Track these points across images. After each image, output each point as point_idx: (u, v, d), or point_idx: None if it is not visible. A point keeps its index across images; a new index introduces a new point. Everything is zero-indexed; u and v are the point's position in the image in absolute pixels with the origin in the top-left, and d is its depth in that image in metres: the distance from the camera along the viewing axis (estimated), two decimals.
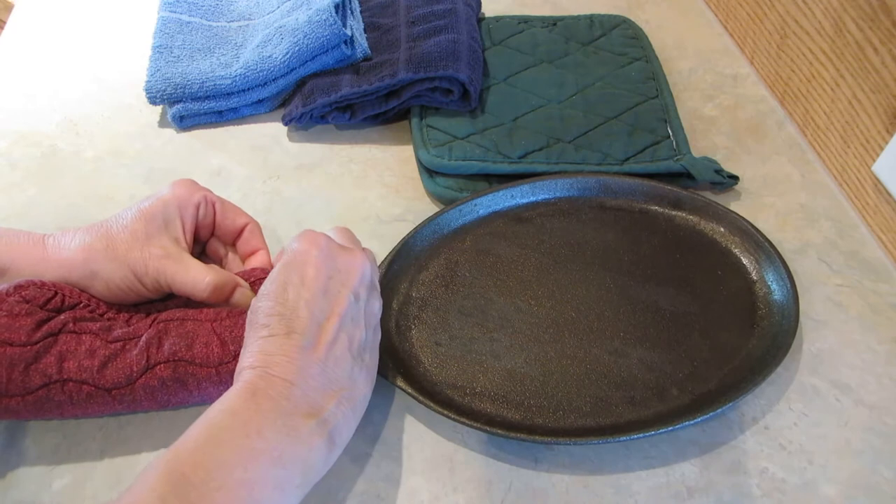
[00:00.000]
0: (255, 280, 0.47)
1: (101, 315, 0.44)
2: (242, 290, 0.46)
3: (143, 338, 0.42)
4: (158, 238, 0.45)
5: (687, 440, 0.45)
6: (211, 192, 0.50)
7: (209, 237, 0.51)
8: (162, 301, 0.47)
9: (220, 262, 0.52)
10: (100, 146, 0.64)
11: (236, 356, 0.43)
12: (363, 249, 0.46)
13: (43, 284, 0.43)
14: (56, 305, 0.43)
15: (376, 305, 0.44)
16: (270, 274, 0.41)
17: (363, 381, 0.41)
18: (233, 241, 0.51)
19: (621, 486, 0.43)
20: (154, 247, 0.44)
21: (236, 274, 0.47)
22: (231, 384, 0.43)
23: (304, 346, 0.38)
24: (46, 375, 0.41)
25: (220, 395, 0.44)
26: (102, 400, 0.42)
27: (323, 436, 0.37)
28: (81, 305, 0.44)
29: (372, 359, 0.42)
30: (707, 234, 0.54)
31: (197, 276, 0.44)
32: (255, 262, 0.50)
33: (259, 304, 0.40)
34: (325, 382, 0.38)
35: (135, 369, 0.42)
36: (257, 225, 0.51)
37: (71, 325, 0.42)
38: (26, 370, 0.40)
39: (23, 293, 0.42)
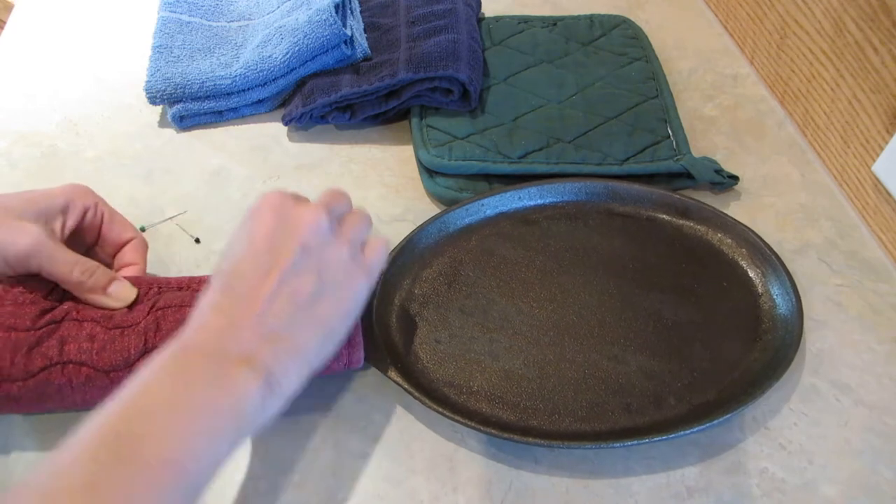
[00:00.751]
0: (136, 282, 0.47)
1: None
2: (121, 282, 0.45)
3: (142, 324, 0.43)
4: (35, 222, 0.44)
5: (687, 441, 0.45)
6: (105, 202, 0.49)
7: (91, 246, 0.50)
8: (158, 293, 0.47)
9: None
10: (100, 146, 0.64)
11: None
12: (358, 210, 0.45)
13: (44, 278, 0.44)
14: (58, 296, 0.44)
15: (335, 255, 0.41)
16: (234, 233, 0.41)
17: (312, 332, 0.39)
18: (114, 254, 0.50)
19: (621, 486, 0.43)
20: (29, 224, 0.44)
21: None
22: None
23: (239, 297, 0.38)
24: (47, 357, 0.42)
25: None
26: (101, 383, 0.42)
27: (257, 385, 0.36)
28: None
29: (330, 309, 0.40)
30: (714, 245, 0.54)
31: (70, 263, 0.44)
32: (125, 273, 0.49)
33: (218, 263, 0.40)
34: (261, 333, 0.37)
35: (132, 352, 0.42)
36: (143, 243, 0.50)
37: (74, 313, 0.44)
38: (29, 353, 0.42)
39: (26, 285, 0.44)
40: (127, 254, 0.50)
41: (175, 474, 0.33)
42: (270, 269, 0.39)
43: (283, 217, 0.41)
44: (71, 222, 0.47)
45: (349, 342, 0.45)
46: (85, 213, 0.48)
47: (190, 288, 0.46)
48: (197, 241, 0.56)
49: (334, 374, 0.46)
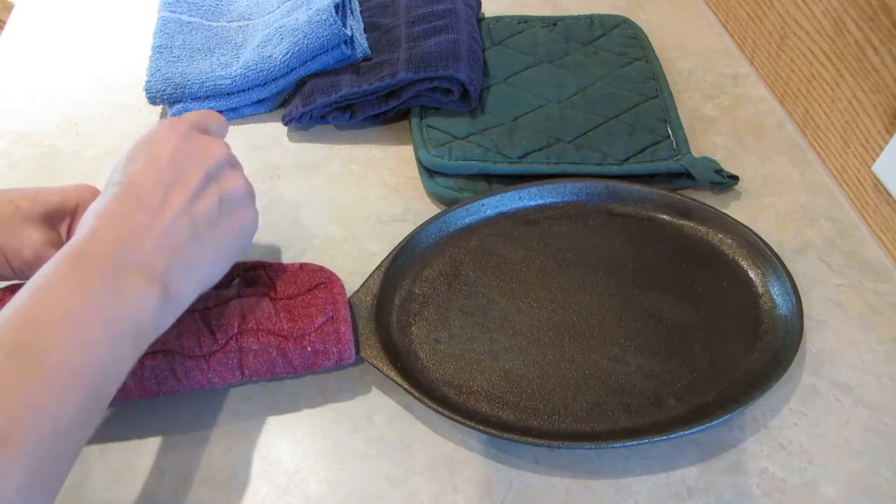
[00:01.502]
0: None
1: None
2: None
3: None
4: (42, 225, 0.44)
5: (687, 441, 0.45)
6: None
7: None
8: None
9: None
10: (100, 146, 0.64)
11: (225, 345, 0.44)
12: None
13: None
14: None
15: (235, 185, 0.43)
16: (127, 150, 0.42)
17: (206, 254, 0.41)
18: None
19: (621, 486, 0.43)
20: (35, 231, 0.44)
21: None
22: (220, 372, 0.44)
23: (139, 208, 0.38)
24: None
25: (209, 383, 0.44)
26: None
27: (154, 294, 0.37)
28: None
29: (225, 238, 0.42)
30: (715, 246, 0.54)
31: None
32: None
33: (110, 178, 0.40)
34: (160, 246, 0.38)
35: None
36: None
37: None
38: None
39: None
40: None
41: (77, 383, 0.33)
42: (176, 188, 0.40)
43: (189, 141, 0.42)
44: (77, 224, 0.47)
45: (338, 339, 0.45)
46: None
47: None
48: None
49: (326, 370, 0.47)
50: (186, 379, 0.43)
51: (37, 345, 0.32)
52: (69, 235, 0.46)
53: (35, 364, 0.32)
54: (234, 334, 0.44)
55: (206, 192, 0.41)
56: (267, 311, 0.45)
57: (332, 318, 0.45)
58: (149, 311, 0.37)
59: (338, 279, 0.48)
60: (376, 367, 0.45)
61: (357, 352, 0.46)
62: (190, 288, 0.40)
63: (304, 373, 0.46)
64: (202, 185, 0.41)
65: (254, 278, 0.48)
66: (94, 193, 0.48)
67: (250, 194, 0.45)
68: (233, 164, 0.45)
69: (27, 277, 0.44)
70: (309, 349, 0.45)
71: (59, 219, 0.46)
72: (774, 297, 0.50)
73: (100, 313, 0.35)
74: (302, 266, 0.48)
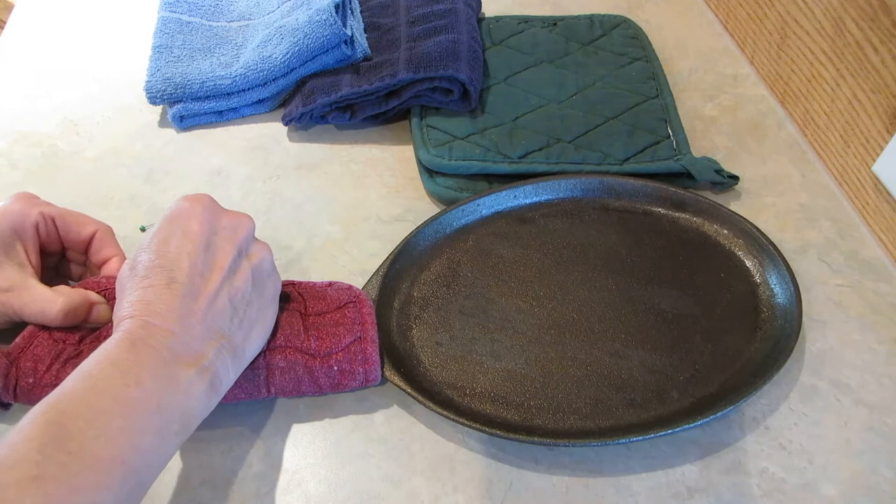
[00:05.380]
0: (109, 290, 0.46)
1: None
2: (99, 307, 0.45)
3: None
4: (1, 269, 0.43)
5: (687, 440, 0.45)
6: (50, 204, 0.48)
7: (61, 250, 0.49)
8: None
9: (78, 274, 0.51)
10: (100, 146, 0.64)
11: (253, 361, 0.43)
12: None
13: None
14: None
15: (262, 258, 0.43)
16: (152, 229, 0.41)
17: (247, 331, 0.41)
18: (85, 251, 0.49)
19: (621, 485, 0.43)
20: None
21: (88, 284, 0.46)
22: (246, 388, 0.44)
23: (184, 294, 0.38)
24: None
25: (234, 398, 0.44)
26: None
27: (204, 384, 0.38)
28: None
29: (259, 313, 0.43)
30: (710, 237, 0.54)
31: (45, 305, 0.43)
32: (109, 270, 0.48)
33: (139, 257, 0.40)
34: (205, 332, 0.38)
35: None
36: (108, 230, 0.49)
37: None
38: (65, 363, 0.43)
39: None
40: (101, 249, 0.48)
41: (122, 471, 0.33)
42: (213, 268, 0.40)
43: (217, 218, 0.42)
44: (32, 246, 0.46)
45: (365, 359, 0.45)
46: (37, 229, 0.46)
47: None
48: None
49: (352, 391, 0.47)
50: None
51: (86, 432, 0.33)
52: (32, 260, 0.45)
53: (82, 451, 0.32)
54: (263, 350, 0.44)
55: (239, 270, 0.41)
56: (297, 327, 0.45)
57: (360, 338, 0.45)
58: (198, 400, 0.37)
59: (366, 299, 0.47)
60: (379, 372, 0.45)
61: (383, 374, 0.46)
62: (234, 369, 0.41)
63: (330, 392, 0.46)
64: (235, 263, 0.41)
65: (284, 295, 0.47)
66: (22, 207, 0.46)
67: (272, 262, 0.45)
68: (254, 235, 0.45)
69: (9, 325, 0.44)
70: (335, 368, 0.44)
71: (8, 246, 0.44)
72: (772, 285, 0.50)
73: (150, 404, 0.35)
74: (331, 284, 0.48)
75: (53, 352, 0.43)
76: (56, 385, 0.41)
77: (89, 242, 0.48)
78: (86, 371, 0.35)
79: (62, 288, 0.45)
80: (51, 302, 0.43)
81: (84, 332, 0.45)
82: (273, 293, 0.44)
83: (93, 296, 0.45)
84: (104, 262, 0.48)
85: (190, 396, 0.37)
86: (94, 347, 0.42)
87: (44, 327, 0.44)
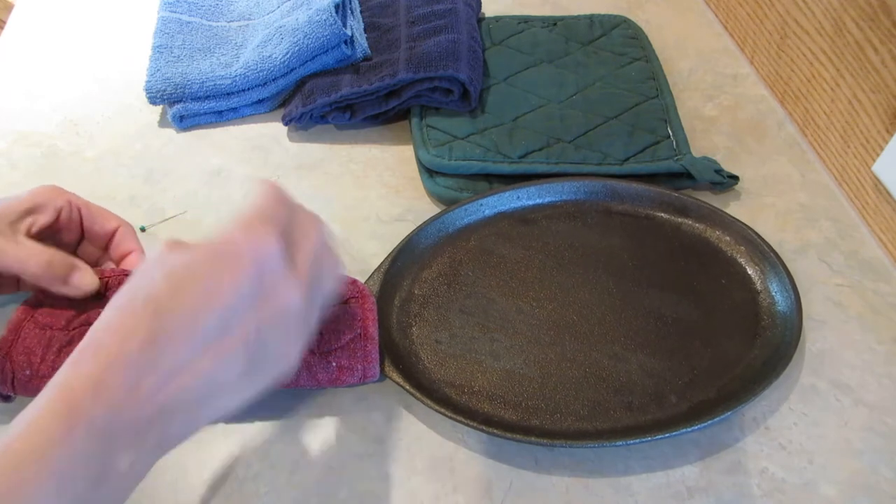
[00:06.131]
0: (118, 280, 0.46)
1: None
2: (82, 273, 0.44)
3: None
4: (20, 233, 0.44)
5: (687, 441, 0.45)
6: (76, 196, 0.48)
7: (77, 241, 0.50)
8: None
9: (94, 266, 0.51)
10: (100, 146, 0.64)
11: None
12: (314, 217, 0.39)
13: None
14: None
15: (288, 348, 0.36)
16: (184, 257, 0.33)
17: (217, 406, 0.33)
18: (105, 246, 0.50)
19: (621, 486, 0.43)
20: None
21: (104, 273, 0.47)
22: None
23: (157, 360, 0.31)
24: None
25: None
26: None
27: (140, 462, 0.32)
28: None
29: (246, 389, 0.34)
30: (713, 243, 0.54)
31: (32, 251, 0.43)
32: (128, 264, 0.49)
33: (148, 279, 0.33)
34: (165, 405, 0.31)
35: None
36: (130, 227, 0.50)
37: None
38: (59, 352, 0.43)
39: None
40: (121, 244, 0.49)
41: None
42: (208, 346, 0.32)
43: (260, 284, 0.33)
44: (43, 220, 0.46)
45: (364, 356, 0.45)
46: (59, 213, 0.47)
47: None
48: (142, 229, 0.57)
49: (350, 386, 0.47)
50: None
51: (14, 495, 0.29)
52: (31, 230, 0.45)
53: None
54: None
55: (239, 356, 0.33)
56: None
57: (361, 335, 0.45)
58: (130, 475, 0.32)
59: (369, 295, 0.47)
60: (378, 369, 0.45)
61: (382, 371, 0.46)
62: (186, 437, 0.33)
63: (329, 387, 0.46)
64: (242, 348, 0.33)
65: None
66: (51, 193, 0.47)
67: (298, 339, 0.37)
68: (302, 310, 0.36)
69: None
70: (334, 364, 0.44)
71: (15, 220, 0.45)
72: (773, 293, 0.50)
73: (75, 477, 0.30)
74: None
75: (43, 341, 0.43)
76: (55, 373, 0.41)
77: (111, 237, 0.49)
78: (24, 418, 0.30)
79: (51, 247, 0.45)
80: (38, 250, 0.43)
81: (70, 314, 0.44)
82: (280, 370, 0.35)
83: (78, 262, 0.45)
84: (124, 256, 0.49)
85: (121, 475, 0.31)
86: (83, 332, 0.42)
87: (26, 315, 0.44)
